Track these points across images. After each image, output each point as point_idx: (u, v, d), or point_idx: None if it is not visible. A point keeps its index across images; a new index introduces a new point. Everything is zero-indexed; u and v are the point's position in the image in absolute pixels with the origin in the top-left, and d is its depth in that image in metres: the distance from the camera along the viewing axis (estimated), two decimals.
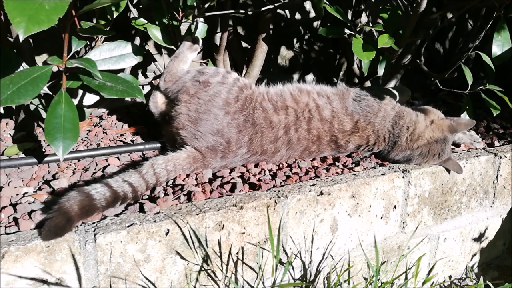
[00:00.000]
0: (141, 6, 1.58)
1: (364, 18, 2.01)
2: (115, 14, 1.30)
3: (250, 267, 1.19)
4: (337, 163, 1.43)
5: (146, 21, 1.44)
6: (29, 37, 1.08)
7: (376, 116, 1.43)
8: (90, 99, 1.31)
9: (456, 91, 1.61)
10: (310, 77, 2.32)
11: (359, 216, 1.33)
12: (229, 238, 1.12)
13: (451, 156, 1.45)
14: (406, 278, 1.44)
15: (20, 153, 1.32)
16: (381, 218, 1.38)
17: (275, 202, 1.16)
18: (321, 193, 1.23)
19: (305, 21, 2.18)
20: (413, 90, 2.36)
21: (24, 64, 1.22)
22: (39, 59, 1.67)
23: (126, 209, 1.09)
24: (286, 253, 1.23)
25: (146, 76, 1.92)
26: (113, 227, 0.99)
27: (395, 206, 1.39)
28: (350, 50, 1.47)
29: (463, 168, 1.46)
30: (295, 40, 2.21)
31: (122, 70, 1.58)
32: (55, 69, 1.05)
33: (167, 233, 1.03)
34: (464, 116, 1.62)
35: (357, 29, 1.49)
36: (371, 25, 1.83)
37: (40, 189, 1.16)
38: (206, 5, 1.35)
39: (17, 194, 1.12)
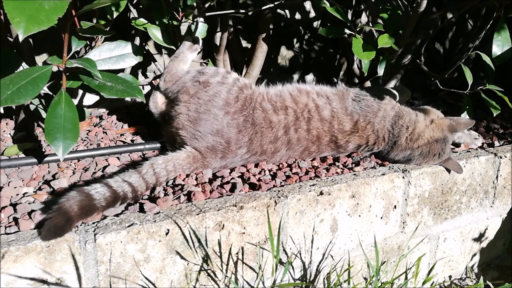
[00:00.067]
0: (141, 6, 1.58)
1: (364, 18, 2.01)
2: (115, 14, 1.29)
3: (250, 267, 1.19)
4: (337, 163, 1.43)
5: (146, 21, 1.44)
6: (29, 37, 1.08)
7: (375, 116, 1.43)
8: (90, 99, 1.31)
9: (456, 91, 1.61)
10: (310, 77, 2.32)
11: (359, 216, 1.33)
12: (229, 238, 1.12)
13: (451, 156, 1.45)
14: (406, 278, 1.44)
15: (20, 153, 1.32)
16: (381, 218, 1.38)
17: (275, 202, 1.16)
18: (321, 193, 1.23)
19: (305, 21, 2.18)
20: (413, 90, 2.36)
21: (24, 64, 1.22)
22: (39, 59, 1.67)
23: (126, 209, 1.09)
24: (286, 253, 1.23)
25: (146, 76, 1.92)
26: (113, 227, 0.99)
27: (395, 206, 1.39)
28: (350, 50, 1.47)
29: (463, 168, 1.46)
30: (295, 40, 2.21)
31: (122, 70, 1.58)
32: (55, 69, 1.05)
33: (167, 233, 1.03)
34: (464, 116, 1.62)
35: (357, 29, 1.49)
36: (371, 25, 1.83)
37: (40, 189, 1.16)
38: (207, 5, 1.35)
39: (17, 194, 1.12)
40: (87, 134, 1.56)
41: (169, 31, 1.46)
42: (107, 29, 1.30)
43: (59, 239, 0.93)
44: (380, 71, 1.57)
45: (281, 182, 1.27)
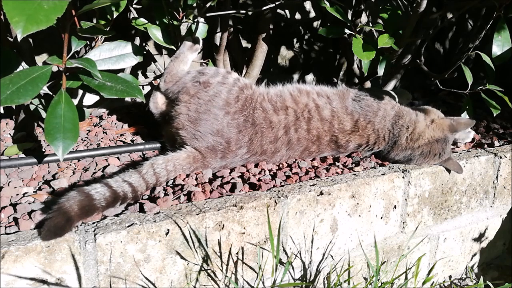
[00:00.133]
0: (140, 7, 1.58)
1: (364, 18, 2.01)
2: (115, 14, 1.30)
3: (250, 267, 1.18)
4: (337, 163, 1.43)
5: (146, 21, 1.44)
6: (28, 37, 1.08)
7: (375, 115, 1.43)
8: (90, 99, 1.31)
9: (456, 91, 1.61)
10: (310, 77, 2.32)
11: (359, 216, 1.33)
12: (229, 238, 1.12)
13: (451, 156, 1.45)
14: (406, 278, 1.43)
15: (20, 153, 1.32)
16: (381, 218, 1.38)
17: (275, 202, 1.16)
18: (321, 193, 1.23)
19: (305, 21, 2.18)
20: (413, 90, 2.37)
21: (24, 64, 1.22)
22: (39, 59, 1.67)
23: (126, 209, 1.09)
24: (286, 253, 1.23)
25: (146, 76, 1.92)
26: (113, 227, 0.99)
27: (395, 206, 1.39)
28: (350, 50, 1.47)
29: (463, 168, 1.46)
30: (295, 40, 2.21)
31: (122, 70, 1.58)
32: (55, 69, 1.05)
33: (167, 233, 1.03)
34: (464, 116, 1.62)
35: (357, 29, 1.49)
36: (371, 25, 1.83)
37: (40, 189, 1.16)
38: (207, 5, 1.35)
39: (17, 194, 1.12)
40: (87, 134, 1.56)
41: (170, 31, 1.46)
42: (107, 29, 1.30)
43: (59, 239, 0.93)
44: (380, 71, 1.57)
45: (281, 182, 1.27)
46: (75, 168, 1.29)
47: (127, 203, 1.11)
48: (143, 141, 1.51)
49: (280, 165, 1.40)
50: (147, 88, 1.89)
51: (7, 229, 0.97)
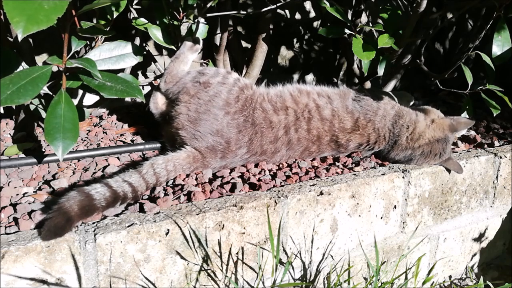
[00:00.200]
0: (140, 7, 1.58)
1: (364, 18, 2.01)
2: (115, 14, 1.30)
3: (250, 267, 1.18)
4: (337, 163, 1.43)
5: (147, 21, 1.44)
6: (28, 37, 1.08)
7: (375, 114, 1.43)
8: (90, 99, 1.31)
9: (456, 91, 1.61)
10: (310, 77, 2.32)
11: (359, 216, 1.33)
12: (229, 238, 1.12)
13: (452, 156, 1.45)
14: (406, 278, 1.44)
15: (20, 153, 1.32)
16: (381, 218, 1.38)
17: (275, 202, 1.16)
18: (321, 193, 1.23)
19: (305, 21, 2.18)
20: (413, 90, 2.37)
21: (24, 64, 1.22)
22: (39, 59, 1.67)
23: (126, 209, 1.09)
24: (286, 253, 1.23)
25: (146, 76, 1.92)
26: (113, 227, 0.99)
27: (395, 206, 1.39)
28: (350, 50, 1.47)
29: (463, 168, 1.46)
30: (295, 40, 2.21)
31: (122, 70, 1.58)
32: (55, 69, 1.05)
33: (167, 233, 1.03)
34: (464, 116, 1.62)
35: (357, 29, 1.49)
36: (371, 25, 1.83)
37: (40, 189, 1.16)
38: (208, 5, 1.35)
39: (17, 194, 1.12)
40: (87, 134, 1.56)
41: (170, 31, 1.46)
42: (107, 29, 1.30)
43: (59, 239, 0.93)
44: (380, 71, 1.57)
45: (281, 182, 1.27)
46: (75, 168, 1.29)
47: (127, 203, 1.11)
48: (143, 141, 1.51)
49: (280, 165, 1.40)
50: (147, 88, 1.89)
51: (7, 229, 0.97)
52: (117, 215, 1.05)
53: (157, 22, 1.45)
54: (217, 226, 1.09)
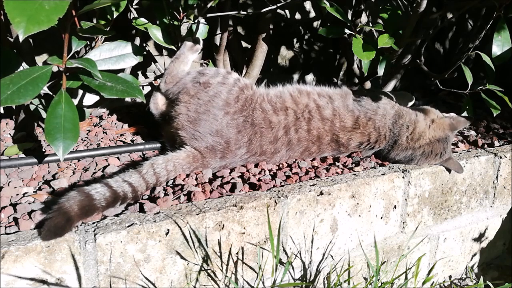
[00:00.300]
0: (140, 7, 1.58)
1: (364, 18, 2.01)
2: (115, 14, 1.30)
3: (250, 267, 1.19)
4: (337, 163, 1.43)
5: (147, 21, 1.44)
6: (29, 37, 1.08)
7: (376, 113, 1.43)
8: (90, 99, 1.31)
9: (456, 91, 1.61)
10: (310, 77, 2.32)
11: (359, 216, 1.33)
12: (229, 238, 1.12)
13: (452, 156, 1.45)
14: (406, 278, 1.44)
15: (20, 153, 1.32)
16: (381, 218, 1.38)
17: (275, 202, 1.16)
18: (321, 193, 1.23)
19: (305, 21, 2.19)
20: (413, 90, 2.37)
21: (24, 64, 1.23)
22: (39, 59, 1.67)
23: (126, 209, 1.09)
24: (286, 253, 1.23)
25: (146, 77, 1.92)
26: (113, 227, 0.99)
27: (395, 206, 1.39)
28: (350, 50, 1.47)
29: (463, 168, 1.46)
30: (295, 40, 2.21)
31: (122, 70, 1.58)
32: (55, 69, 1.06)
33: (167, 233, 1.03)
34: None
35: (357, 29, 1.49)
36: (371, 25, 1.83)
37: (40, 189, 1.16)
38: (208, 5, 1.35)
39: (17, 194, 1.12)
40: (87, 134, 1.56)
41: (170, 31, 1.46)
42: (107, 29, 1.30)
43: (59, 239, 0.93)
44: (380, 71, 1.57)
45: (281, 182, 1.27)
46: (75, 168, 1.29)
47: (127, 203, 1.11)
48: (143, 141, 1.51)
49: (280, 165, 1.40)
50: (147, 88, 1.89)
51: (7, 229, 0.97)
52: (117, 215, 1.05)
53: (157, 22, 1.45)
54: (217, 226, 1.10)
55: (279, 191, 1.20)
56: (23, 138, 1.41)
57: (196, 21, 1.45)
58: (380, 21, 1.89)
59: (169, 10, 1.40)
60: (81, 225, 0.99)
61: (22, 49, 1.30)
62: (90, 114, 1.74)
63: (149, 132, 1.57)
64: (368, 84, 1.88)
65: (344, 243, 1.33)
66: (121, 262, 1.00)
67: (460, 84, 1.62)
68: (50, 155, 1.28)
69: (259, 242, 1.17)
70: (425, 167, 1.42)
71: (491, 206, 1.66)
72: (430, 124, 1.43)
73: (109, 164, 1.32)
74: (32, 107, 1.34)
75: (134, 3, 1.54)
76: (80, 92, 1.28)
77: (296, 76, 2.28)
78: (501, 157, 1.58)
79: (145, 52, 1.44)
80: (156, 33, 1.45)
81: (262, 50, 1.71)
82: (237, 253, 1.15)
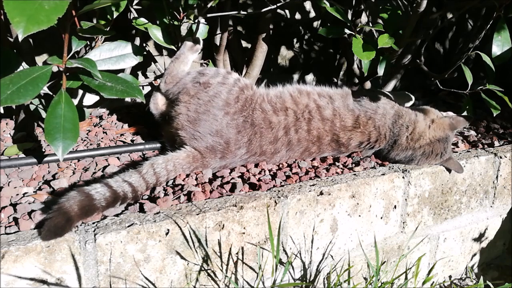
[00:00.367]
0: (140, 7, 1.58)
1: (364, 18, 2.01)
2: (115, 14, 1.30)
3: (250, 267, 1.19)
4: (337, 163, 1.43)
5: (147, 21, 1.44)
6: (29, 37, 1.08)
7: (376, 112, 1.43)
8: (90, 99, 1.31)
9: (456, 91, 1.61)
10: (310, 77, 2.32)
11: (359, 216, 1.33)
12: (229, 238, 1.12)
13: (452, 156, 1.45)
14: (406, 278, 1.44)
15: (20, 153, 1.32)
16: (381, 218, 1.38)
17: (275, 202, 1.16)
18: (321, 193, 1.23)
19: (305, 21, 2.19)
20: (413, 90, 2.36)
21: (24, 64, 1.22)
22: (39, 59, 1.67)
23: (126, 209, 1.09)
24: (286, 253, 1.23)
25: (146, 77, 1.92)
26: (113, 227, 0.99)
27: (395, 206, 1.39)
28: (350, 50, 1.47)
29: (463, 167, 1.46)
30: (295, 40, 2.21)
31: (122, 70, 1.58)
32: (55, 69, 1.05)
33: (167, 233, 1.03)
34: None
35: (357, 29, 1.49)
36: (371, 25, 1.83)
37: (40, 189, 1.16)
38: (209, 5, 1.35)
39: (17, 194, 1.12)
40: (87, 134, 1.56)
41: (170, 31, 1.46)
42: (107, 29, 1.30)
43: (59, 239, 0.93)
44: (380, 71, 1.57)
45: (281, 182, 1.27)
46: (75, 168, 1.29)
47: (127, 203, 1.11)
48: (143, 141, 1.51)
49: (280, 165, 1.40)
50: (147, 88, 1.89)
51: (7, 229, 0.97)
52: (117, 215, 1.05)
53: (157, 22, 1.45)
54: (217, 226, 1.09)
55: (279, 191, 1.20)
56: (23, 138, 1.41)
57: (196, 21, 1.45)
58: (380, 21, 1.89)
59: (169, 10, 1.40)
60: (81, 225, 0.99)
61: (22, 49, 1.30)
62: (90, 114, 1.74)
63: (149, 132, 1.57)
64: (368, 84, 1.88)
65: (344, 243, 1.33)
66: (121, 262, 1.00)
67: (460, 84, 1.62)
68: (50, 155, 1.28)
69: (259, 242, 1.17)
70: (425, 167, 1.42)
71: (491, 206, 1.66)
72: (430, 124, 1.43)
73: (109, 164, 1.32)
74: (32, 107, 1.34)
75: (134, 3, 1.54)
76: (80, 92, 1.28)
77: (296, 76, 2.28)
78: (501, 157, 1.58)
79: (145, 52, 1.44)
80: (156, 33, 1.45)
81: (262, 50, 1.71)
82: (237, 253, 1.15)
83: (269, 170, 1.36)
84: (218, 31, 1.68)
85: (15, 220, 1.00)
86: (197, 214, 1.06)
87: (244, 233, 1.14)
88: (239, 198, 1.15)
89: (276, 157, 1.37)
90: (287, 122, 1.36)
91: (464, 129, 1.83)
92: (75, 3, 1.07)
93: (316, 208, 1.23)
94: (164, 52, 1.92)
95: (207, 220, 1.08)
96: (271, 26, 1.78)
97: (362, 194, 1.30)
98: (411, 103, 1.67)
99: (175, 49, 1.49)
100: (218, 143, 1.29)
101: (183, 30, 1.64)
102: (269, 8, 1.50)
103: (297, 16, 2.15)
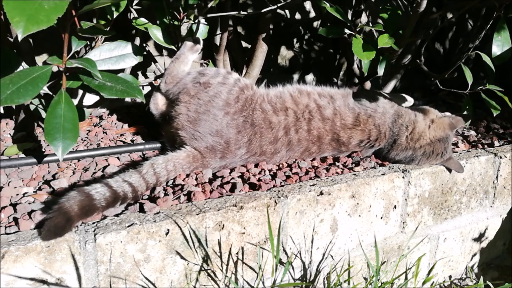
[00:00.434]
0: (140, 7, 1.58)
1: (364, 18, 2.01)
2: (115, 14, 1.30)
3: (250, 267, 1.18)
4: (337, 163, 1.43)
5: (147, 21, 1.44)
6: (29, 37, 1.08)
7: (376, 111, 1.44)
8: (90, 99, 1.31)
9: (456, 91, 1.61)
10: (310, 77, 2.32)
11: (359, 216, 1.33)
12: (229, 238, 1.12)
13: (452, 155, 1.45)
14: (406, 278, 1.44)
15: (20, 153, 1.32)
16: (381, 218, 1.38)
17: (275, 202, 1.16)
18: (321, 193, 1.23)
19: (305, 21, 2.19)
20: (413, 90, 2.37)
21: (24, 64, 1.22)
22: (39, 59, 1.67)
23: (126, 209, 1.09)
24: (286, 253, 1.23)
25: (146, 77, 1.92)
26: (113, 227, 0.99)
27: (395, 206, 1.39)
28: (350, 50, 1.47)
29: (463, 167, 1.46)
30: (295, 40, 2.21)
31: (122, 70, 1.58)
32: (55, 69, 1.05)
33: (167, 233, 1.03)
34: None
35: (357, 29, 1.49)
36: (371, 25, 1.83)
37: (40, 189, 1.16)
38: (209, 5, 1.35)
39: (17, 194, 1.12)
40: (87, 134, 1.56)
41: (170, 31, 1.46)
42: (107, 29, 1.30)
43: (59, 239, 0.93)
44: (380, 71, 1.57)
45: (281, 182, 1.27)
46: (75, 168, 1.29)
47: (127, 203, 1.11)
48: (143, 141, 1.51)
49: (280, 165, 1.40)
50: (147, 88, 1.89)
51: (7, 229, 0.97)
52: (117, 215, 1.05)
53: (158, 22, 1.45)
54: (217, 226, 1.09)
55: (279, 191, 1.20)
56: (23, 138, 1.41)
57: (196, 21, 1.45)
58: (380, 21, 1.89)
59: (169, 10, 1.40)
60: (81, 225, 0.99)
61: (22, 49, 1.30)
62: (90, 114, 1.74)
63: (149, 132, 1.57)
64: (368, 84, 1.87)
65: (344, 243, 1.33)
66: (121, 262, 1.00)
67: (460, 84, 1.62)
68: (50, 155, 1.28)
69: (259, 242, 1.17)
70: (425, 167, 1.42)
71: (491, 206, 1.66)
72: (430, 124, 1.43)
73: (109, 164, 1.32)
74: (32, 107, 1.34)
75: (134, 3, 1.54)
76: (80, 92, 1.28)
77: (296, 76, 2.28)
78: (501, 157, 1.58)
79: (145, 52, 1.44)
80: (156, 33, 1.44)
81: (262, 50, 1.71)
82: (237, 253, 1.15)
83: (269, 170, 1.36)
84: (218, 31, 1.68)
85: (15, 220, 1.00)
86: (197, 214, 1.06)
87: (244, 233, 1.14)
88: (239, 198, 1.15)
89: (276, 157, 1.37)
90: (287, 122, 1.36)
91: (464, 129, 1.83)
92: (75, 3, 1.06)
93: (316, 208, 1.23)
94: (164, 52, 1.92)
95: (207, 220, 1.08)
96: (271, 26, 1.78)
97: (362, 194, 1.30)
98: (409, 105, 1.67)
99: (175, 49, 1.49)
100: (218, 143, 1.29)
101: (183, 30, 1.64)
102: (269, 8, 1.50)
103: (297, 16, 2.15)
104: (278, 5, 1.47)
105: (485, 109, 1.93)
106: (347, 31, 1.51)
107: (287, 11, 2.12)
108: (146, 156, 1.41)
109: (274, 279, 1.21)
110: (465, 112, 1.61)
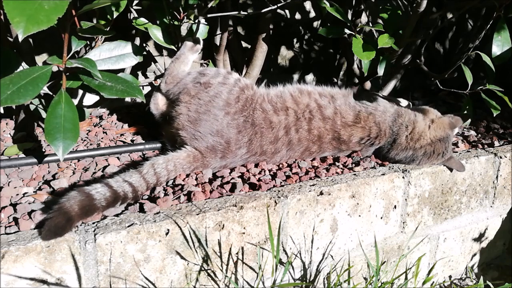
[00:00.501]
0: (140, 7, 1.58)
1: (364, 18, 2.01)
2: (115, 14, 1.30)
3: (250, 267, 1.19)
4: (337, 163, 1.43)
5: (147, 21, 1.44)
6: (29, 37, 1.08)
7: (376, 109, 1.45)
8: (90, 99, 1.31)
9: (456, 91, 1.61)
10: (310, 77, 2.32)
11: (359, 216, 1.33)
12: (229, 238, 1.12)
13: (453, 155, 1.45)
14: (406, 278, 1.44)
15: (20, 153, 1.32)
16: (381, 218, 1.38)
17: (275, 202, 1.16)
18: (321, 193, 1.23)
19: (305, 21, 2.19)
20: (413, 90, 2.37)
21: (24, 64, 1.22)
22: (39, 59, 1.67)
23: (126, 209, 1.09)
24: (286, 253, 1.23)
25: (146, 76, 1.92)
26: (113, 227, 0.99)
27: (395, 206, 1.39)
28: (350, 50, 1.48)
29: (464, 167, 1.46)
30: (295, 40, 2.21)
31: (122, 70, 1.58)
32: (55, 69, 1.05)
33: (167, 233, 1.03)
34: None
35: (357, 29, 1.49)
36: (371, 25, 1.83)
37: (40, 189, 1.16)
38: (209, 5, 1.35)
39: (17, 194, 1.12)
40: (87, 134, 1.56)
41: (170, 31, 1.46)
42: (107, 29, 1.30)
43: (59, 239, 0.93)
44: (380, 71, 1.57)
45: (281, 182, 1.27)
46: (75, 168, 1.29)
47: (127, 203, 1.11)
48: (143, 141, 1.51)
49: (280, 165, 1.40)
50: (147, 88, 1.89)
51: (7, 229, 0.97)
52: (117, 215, 1.05)
53: (158, 22, 1.45)
54: (217, 226, 1.10)
55: (279, 191, 1.20)
56: (23, 138, 1.41)
57: (196, 21, 1.45)
58: (380, 21, 1.89)
59: (169, 10, 1.40)
60: (81, 225, 0.99)
61: (22, 49, 1.30)
62: (90, 114, 1.74)
63: (149, 132, 1.57)
64: (368, 84, 1.88)
65: (344, 243, 1.33)
66: (121, 262, 1.00)
67: (460, 84, 1.62)
68: (50, 155, 1.28)
69: (259, 242, 1.17)
70: (425, 167, 1.42)
71: (491, 206, 1.66)
72: (430, 124, 1.43)
73: (109, 164, 1.32)
74: (32, 107, 1.34)
75: (134, 3, 1.54)
76: (80, 92, 1.28)
77: (296, 76, 2.28)
78: (501, 157, 1.58)
79: (145, 52, 1.44)
80: (156, 33, 1.45)
81: (262, 50, 1.71)
82: (237, 253, 1.15)
83: (269, 170, 1.36)
84: (218, 31, 1.68)
85: (15, 220, 1.00)
86: (197, 214, 1.06)
87: (244, 233, 1.14)
88: (239, 198, 1.15)
89: (276, 157, 1.37)
90: (287, 121, 1.36)
91: (464, 129, 1.83)
92: (75, 3, 1.06)
93: (316, 208, 1.23)
94: (164, 52, 1.92)
95: (207, 220, 1.08)
96: (271, 26, 1.78)
97: (362, 194, 1.30)
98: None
99: (175, 49, 1.49)
100: (219, 143, 1.29)
101: (183, 30, 1.64)
102: (269, 8, 1.50)
103: (297, 16, 2.16)
104: (278, 5, 1.47)
105: (485, 109, 1.93)
106: (347, 31, 1.51)
107: (287, 11, 2.12)
108: (146, 156, 1.41)
109: (274, 279, 1.21)
110: (465, 112, 1.61)
